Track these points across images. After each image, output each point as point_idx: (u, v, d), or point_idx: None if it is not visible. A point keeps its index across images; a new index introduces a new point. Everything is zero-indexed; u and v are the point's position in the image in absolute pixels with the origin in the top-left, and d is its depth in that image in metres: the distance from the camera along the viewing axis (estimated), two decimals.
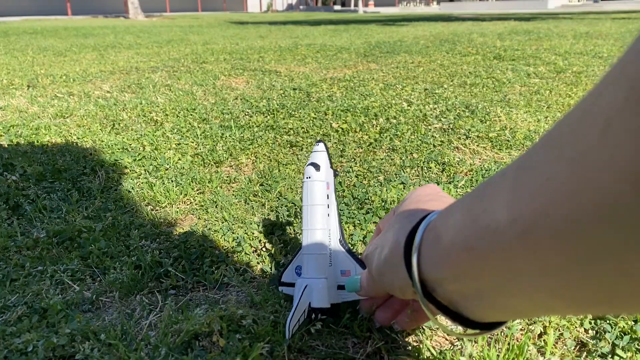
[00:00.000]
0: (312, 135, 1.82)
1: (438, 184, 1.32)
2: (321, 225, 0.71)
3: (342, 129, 1.87)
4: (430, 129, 1.89)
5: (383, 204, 1.16)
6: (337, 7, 34.28)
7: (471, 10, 31.32)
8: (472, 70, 3.39)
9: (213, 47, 5.66)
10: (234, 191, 1.35)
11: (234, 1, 35.97)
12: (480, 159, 1.59)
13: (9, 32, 11.30)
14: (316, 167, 0.73)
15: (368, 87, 2.84)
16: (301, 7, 34.02)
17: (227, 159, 1.63)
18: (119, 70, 3.66)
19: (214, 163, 1.60)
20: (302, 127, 1.90)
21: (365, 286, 0.60)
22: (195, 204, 1.26)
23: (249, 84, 3.05)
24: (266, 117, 2.11)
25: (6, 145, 1.77)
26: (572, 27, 8.48)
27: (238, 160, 1.62)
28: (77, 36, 8.94)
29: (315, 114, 2.10)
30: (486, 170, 1.40)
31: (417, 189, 0.59)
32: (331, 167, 0.75)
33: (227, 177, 1.46)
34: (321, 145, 0.76)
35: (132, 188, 1.34)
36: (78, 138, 1.87)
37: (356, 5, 32.24)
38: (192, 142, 1.79)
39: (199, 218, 1.18)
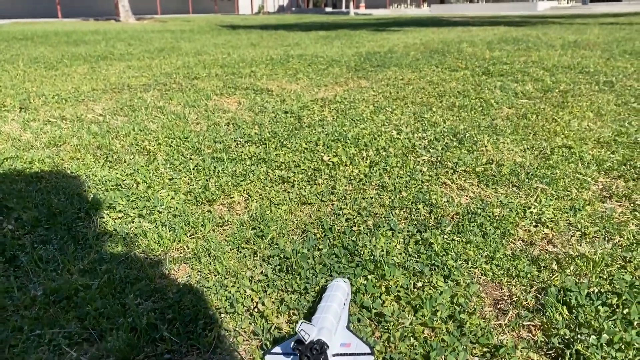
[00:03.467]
0: (303, 169, 1.85)
1: (426, 229, 1.36)
2: (330, 323, 0.80)
3: (333, 162, 1.90)
4: (419, 162, 1.93)
5: (372, 256, 1.20)
6: (329, 9, 34.30)
7: (461, 12, 31.43)
8: (460, 88, 3.43)
9: (205, 59, 5.67)
10: (226, 236, 1.38)
11: (225, 3, 35.92)
12: (467, 196, 1.63)
13: None
14: (344, 283, 0.95)
15: (359, 109, 2.88)
16: (293, 8, 34.03)
17: (220, 196, 1.66)
18: (111, 88, 3.67)
19: (207, 201, 1.62)
20: (294, 161, 1.93)
21: None
22: (189, 252, 1.29)
23: (240, 105, 3.08)
24: (258, 147, 2.14)
25: (1, 181, 1.79)
26: (561, 34, 8.55)
27: (230, 198, 1.65)
28: (68, 43, 8.93)
29: (306, 144, 2.14)
30: (472, 214, 1.44)
31: None
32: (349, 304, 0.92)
33: (220, 218, 1.50)
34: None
35: (127, 235, 1.37)
36: (72, 172, 1.89)
37: (347, 7, 32.27)
38: (185, 177, 1.82)
39: (192, 268, 1.21)
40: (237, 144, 2.21)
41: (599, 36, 7.97)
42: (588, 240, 1.31)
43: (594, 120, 2.58)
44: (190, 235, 1.38)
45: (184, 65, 5.04)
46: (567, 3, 30.89)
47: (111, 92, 3.55)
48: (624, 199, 1.56)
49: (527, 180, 1.72)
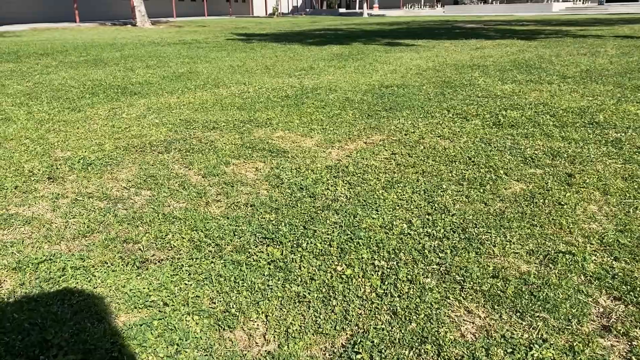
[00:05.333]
0: (318, 284, 1.97)
1: None
2: None
3: (346, 275, 2.02)
4: (429, 271, 2.04)
5: None
6: (342, 10, 34.27)
7: (475, 13, 31.27)
8: (471, 151, 3.52)
9: (222, 94, 5.80)
10: None
11: (240, 5, 36.05)
12: (473, 324, 1.73)
13: (19, 52, 11.52)
14: None
15: (371, 182, 2.99)
16: (307, 9, 34.07)
17: (240, 319, 1.79)
18: (133, 146, 3.81)
19: (228, 327, 1.75)
20: (309, 272, 2.05)
21: None
22: None
23: (257, 173, 3.20)
24: (275, 247, 2.26)
25: (36, 296, 1.93)
26: (574, 56, 8.56)
27: (250, 322, 1.77)
28: (88, 63, 9.13)
29: (320, 244, 2.25)
30: None
31: None
32: None
33: (241, 354, 1.62)
34: None
35: None
36: (102, 281, 2.03)
37: (361, 7, 32.25)
38: (208, 291, 1.95)
39: None
40: (255, 240, 2.33)
41: (612, 59, 7.98)
42: None
43: (599, 203, 2.67)
44: None
45: (202, 107, 5.18)
46: (583, 3, 30.58)
47: (134, 151, 3.69)
48: (622, 336, 1.66)
49: (530, 304, 1.82)
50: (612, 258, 2.13)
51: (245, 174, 3.22)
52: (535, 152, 3.50)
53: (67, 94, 6.07)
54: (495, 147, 3.63)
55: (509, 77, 6.63)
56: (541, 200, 2.70)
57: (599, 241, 2.27)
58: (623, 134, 3.87)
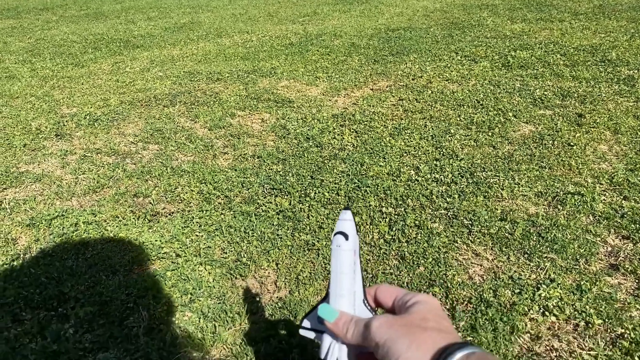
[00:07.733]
0: (327, 232, 1.98)
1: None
2: (347, 291, 0.80)
3: (355, 222, 2.03)
4: (436, 217, 2.05)
5: None
6: None
7: None
8: (480, 97, 3.46)
9: (225, 44, 5.71)
10: (261, 326, 1.54)
11: None
12: (481, 266, 1.75)
13: (19, 7, 11.32)
14: (345, 236, 0.80)
15: (377, 130, 2.97)
16: None
17: (252, 267, 1.82)
18: (138, 100, 3.79)
19: (240, 276, 1.78)
20: (317, 221, 2.06)
21: (355, 334, 0.62)
22: (228, 352, 1.46)
23: (264, 124, 3.18)
24: (283, 197, 2.27)
25: (51, 251, 1.97)
26: None
27: (261, 270, 1.81)
28: (88, 17, 8.96)
29: (328, 193, 2.26)
30: (485, 303, 1.57)
31: (423, 304, 0.60)
32: (357, 233, 0.80)
33: (254, 301, 1.65)
34: (348, 213, 0.81)
35: (172, 330, 1.54)
36: (114, 235, 2.06)
37: None
38: (219, 242, 1.97)
39: None
40: (264, 191, 2.34)
41: None
42: (591, 334, 1.44)
43: (610, 142, 2.64)
44: (228, 328, 1.55)
45: (205, 58, 5.11)
46: None
47: (140, 105, 3.68)
48: (630, 274, 1.67)
49: (538, 245, 1.83)
50: (622, 197, 2.12)
51: (251, 125, 3.20)
52: (545, 92, 3.44)
53: (70, 49, 6.00)
54: (504, 89, 3.57)
55: (519, 15, 6.44)
56: (550, 142, 2.67)
57: (608, 181, 2.25)
58: (636, 71, 3.78)
